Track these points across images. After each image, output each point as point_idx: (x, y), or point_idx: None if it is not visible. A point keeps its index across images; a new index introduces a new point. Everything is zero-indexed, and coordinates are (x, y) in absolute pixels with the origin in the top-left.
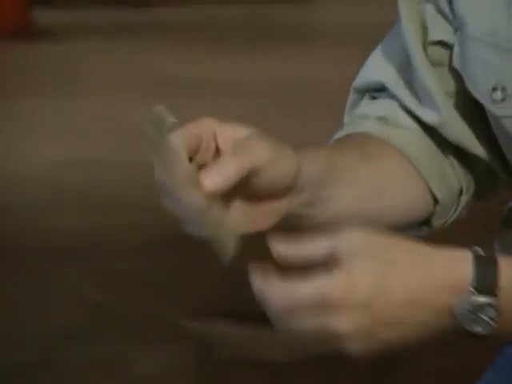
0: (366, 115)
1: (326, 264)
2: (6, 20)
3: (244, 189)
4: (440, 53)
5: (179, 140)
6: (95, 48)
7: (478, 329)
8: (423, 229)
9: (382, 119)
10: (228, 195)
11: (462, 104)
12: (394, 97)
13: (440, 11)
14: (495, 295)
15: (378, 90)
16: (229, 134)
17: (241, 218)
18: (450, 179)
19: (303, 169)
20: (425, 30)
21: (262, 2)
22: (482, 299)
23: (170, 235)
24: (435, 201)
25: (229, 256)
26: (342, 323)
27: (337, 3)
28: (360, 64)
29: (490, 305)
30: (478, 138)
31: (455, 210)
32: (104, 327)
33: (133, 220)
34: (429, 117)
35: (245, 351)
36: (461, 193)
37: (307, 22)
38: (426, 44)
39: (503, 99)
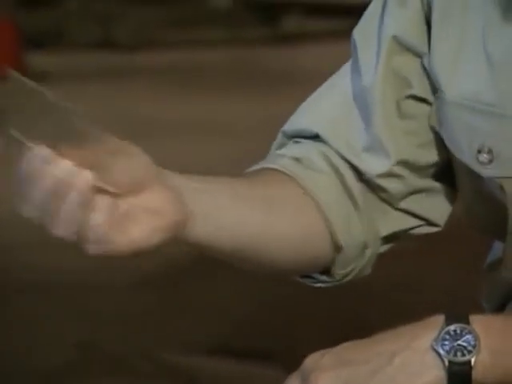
0: (283, 154)
1: None
2: (1, 63)
3: None
4: (418, 108)
5: None
6: (85, 90)
7: (463, 358)
8: (323, 278)
9: (296, 159)
10: None
11: (433, 158)
12: (328, 145)
13: (425, 69)
14: (468, 323)
15: (306, 137)
16: None
17: None
18: (355, 229)
19: (179, 179)
20: (402, 82)
21: (249, 45)
22: (457, 324)
23: (153, 275)
24: (337, 247)
25: None
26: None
27: (325, 47)
28: None
29: (465, 329)
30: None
31: (358, 263)
32: (90, 365)
33: (117, 260)
34: (370, 167)
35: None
36: (365, 246)
37: (294, 65)
38: (401, 96)
39: (490, 161)
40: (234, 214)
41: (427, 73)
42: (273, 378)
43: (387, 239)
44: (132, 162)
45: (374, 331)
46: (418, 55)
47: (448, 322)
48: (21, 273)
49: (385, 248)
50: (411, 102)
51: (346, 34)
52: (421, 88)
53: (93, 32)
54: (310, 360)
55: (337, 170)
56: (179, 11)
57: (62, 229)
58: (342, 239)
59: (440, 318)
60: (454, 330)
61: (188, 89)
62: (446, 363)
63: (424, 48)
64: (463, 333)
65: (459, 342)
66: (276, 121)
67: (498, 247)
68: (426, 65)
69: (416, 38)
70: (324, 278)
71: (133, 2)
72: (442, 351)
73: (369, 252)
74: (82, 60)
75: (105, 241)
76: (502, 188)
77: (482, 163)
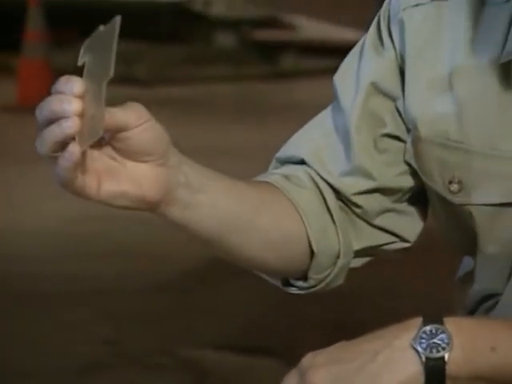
0: (275, 172)
1: None
2: (33, 96)
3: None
4: (392, 144)
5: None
6: None
7: (438, 354)
8: (299, 284)
9: (285, 176)
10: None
11: (408, 185)
12: (312, 169)
13: (399, 112)
14: (443, 324)
15: (295, 163)
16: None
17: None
18: (330, 239)
19: (185, 166)
20: (378, 122)
21: (251, 80)
22: (432, 325)
23: (170, 281)
24: (312, 253)
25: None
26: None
27: (317, 82)
28: None
29: (439, 329)
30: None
31: (331, 271)
32: (116, 360)
33: (137, 267)
34: (347, 187)
35: (234, 377)
36: (338, 256)
37: (290, 99)
38: (377, 133)
39: (460, 190)
40: (224, 208)
41: (400, 114)
42: (273, 371)
43: (361, 253)
44: (150, 131)
45: (362, 331)
46: (393, 99)
47: (425, 323)
48: (56, 282)
49: (360, 262)
50: (386, 139)
51: (336, 71)
52: (394, 127)
53: (116, 69)
54: (307, 359)
55: (318, 188)
56: (190, 51)
57: (40, 145)
58: (315, 246)
59: (418, 320)
60: (430, 330)
61: (199, 118)
62: (423, 359)
63: (398, 93)
64: (438, 332)
65: (434, 340)
66: (274, 145)
67: (468, 260)
68: (400, 107)
69: (391, 84)
70: (300, 283)
71: (150, 44)
72: (419, 348)
73: (340, 262)
74: (108, 94)
75: (66, 178)
76: (470, 213)
77: (452, 192)
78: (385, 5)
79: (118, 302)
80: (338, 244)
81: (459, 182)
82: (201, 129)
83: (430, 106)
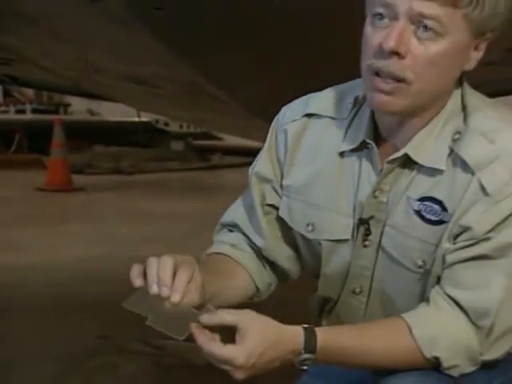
0: (224, 241)
1: (234, 329)
2: (56, 182)
3: None
4: (271, 209)
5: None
6: (105, 197)
7: (304, 367)
8: (249, 301)
9: (232, 245)
10: None
11: (282, 236)
12: (241, 231)
13: (273, 188)
14: (314, 352)
15: (233, 226)
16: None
17: None
18: (265, 278)
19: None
20: (263, 197)
21: (193, 171)
22: (306, 356)
23: None
24: (258, 289)
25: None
26: (238, 374)
27: (235, 173)
28: None
29: (309, 359)
30: (288, 255)
31: (267, 292)
32: (105, 349)
33: (120, 290)
34: (259, 243)
35: (182, 355)
36: (270, 284)
37: (218, 183)
38: (263, 203)
39: (312, 230)
40: (212, 286)
41: (274, 189)
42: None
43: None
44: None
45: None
46: (268, 182)
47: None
48: (66, 298)
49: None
50: (267, 207)
51: (248, 165)
52: (270, 199)
53: (109, 164)
54: (244, 319)
55: (253, 249)
56: (156, 153)
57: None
58: (260, 285)
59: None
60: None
61: (161, 194)
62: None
63: (272, 177)
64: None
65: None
66: (207, 212)
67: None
68: (274, 185)
69: (268, 172)
70: (249, 300)
71: (131, 148)
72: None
73: (271, 287)
74: (103, 180)
75: None
76: (319, 245)
77: (308, 231)
78: (274, 121)
79: (109, 310)
80: (268, 278)
81: (312, 225)
82: (162, 201)
83: (298, 177)
